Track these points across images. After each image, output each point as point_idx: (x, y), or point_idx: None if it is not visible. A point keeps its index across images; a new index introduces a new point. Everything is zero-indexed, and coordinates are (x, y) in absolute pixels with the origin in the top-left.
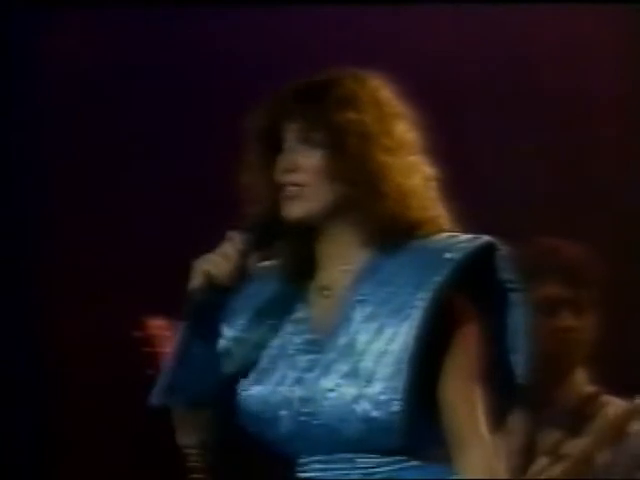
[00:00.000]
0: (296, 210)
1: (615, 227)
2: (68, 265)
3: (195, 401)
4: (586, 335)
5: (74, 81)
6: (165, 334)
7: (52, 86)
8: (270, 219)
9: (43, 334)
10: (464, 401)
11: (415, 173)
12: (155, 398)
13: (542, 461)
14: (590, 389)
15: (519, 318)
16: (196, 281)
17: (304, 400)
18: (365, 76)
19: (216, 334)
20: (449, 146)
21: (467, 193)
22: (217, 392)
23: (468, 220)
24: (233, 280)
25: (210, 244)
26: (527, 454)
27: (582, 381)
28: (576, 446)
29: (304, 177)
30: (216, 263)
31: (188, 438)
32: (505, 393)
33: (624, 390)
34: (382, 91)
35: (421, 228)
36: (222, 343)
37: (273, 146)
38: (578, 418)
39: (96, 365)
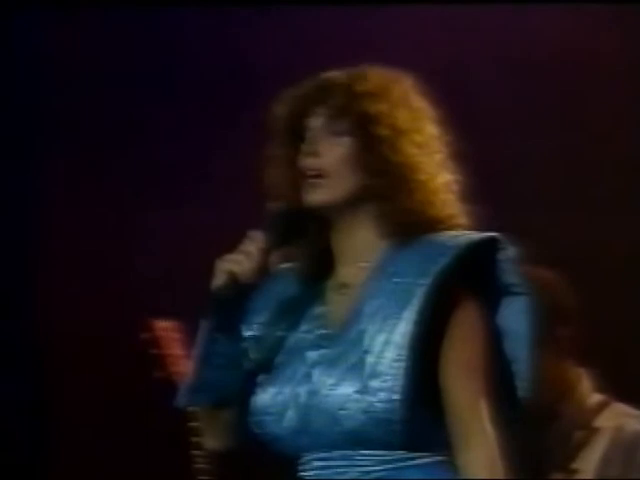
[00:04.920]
0: (318, 197)
1: (617, 228)
2: (71, 265)
3: (220, 400)
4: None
5: (75, 80)
6: (172, 335)
7: (53, 85)
8: (291, 216)
9: (46, 335)
10: (467, 392)
11: (440, 172)
12: (181, 400)
13: (555, 476)
14: (597, 398)
15: (522, 324)
16: (219, 280)
17: (311, 394)
18: (396, 74)
19: (238, 332)
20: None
21: (481, 195)
22: (241, 390)
23: (485, 222)
24: (256, 278)
25: (216, 243)
26: (537, 469)
27: (588, 391)
28: (588, 461)
29: (328, 164)
30: (239, 262)
31: (215, 441)
32: (506, 404)
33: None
34: (413, 91)
35: (440, 225)
36: (258, 351)
37: (297, 138)
38: (588, 430)
39: (100, 366)
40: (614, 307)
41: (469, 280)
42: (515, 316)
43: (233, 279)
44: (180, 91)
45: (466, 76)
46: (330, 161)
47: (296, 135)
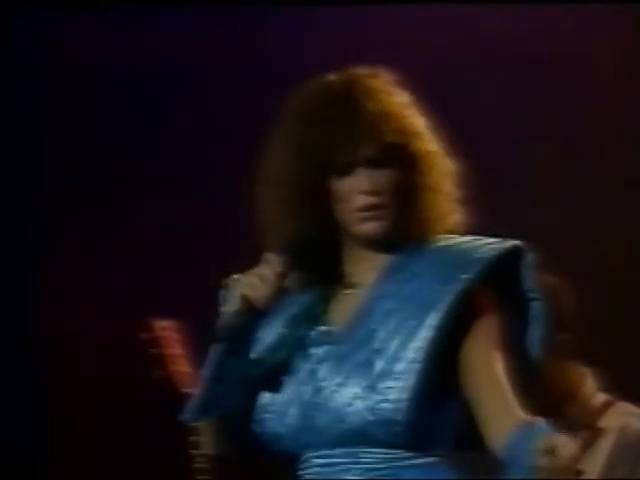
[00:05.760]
0: (378, 229)
1: (617, 227)
2: (70, 266)
3: (228, 413)
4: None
5: (75, 80)
6: (171, 335)
7: (54, 86)
8: (310, 240)
9: (46, 335)
10: (490, 377)
11: (448, 162)
12: (189, 415)
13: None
14: (602, 398)
15: (535, 329)
16: (233, 305)
17: (316, 390)
18: (376, 73)
19: (249, 350)
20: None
21: (479, 196)
22: (248, 402)
23: (481, 219)
24: (271, 303)
25: (213, 245)
26: None
27: (592, 390)
28: (593, 461)
29: (385, 198)
30: (254, 287)
31: (216, 448)
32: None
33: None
34: (393, 84)
35: (442, 223)
36: (258, 346)
37: (325, 167)
38: (593, 430)
39: (100, 366)
40: (616, 307)
41: (489, 282)
42: (530, 321)
43: (247, 304)
44: (181, 92)
45: (466, 76)
46: (389, 196)
47: (324, 166)
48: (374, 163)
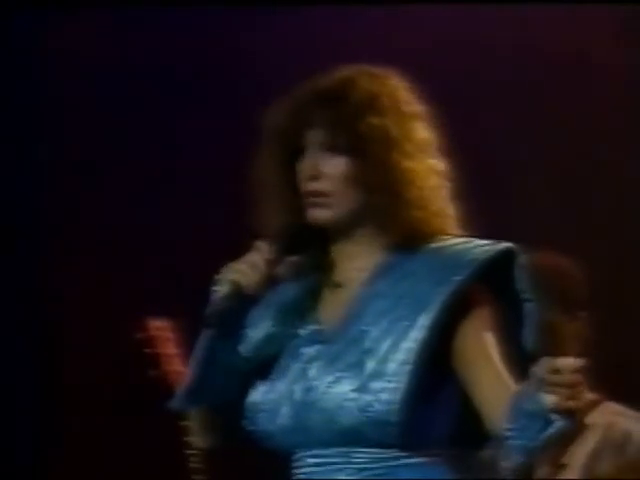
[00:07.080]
0: (322, 216)
1: (617, 227)
2: (71, 265)
3: (215, 403)
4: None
5: (75, 80)
6: (166, 335)
7: (54, 86)
8: (298, 228)
9: (46, 335)
10: (486, 359)
11: (433, 176)
12: (177, 403)
13: (542, 471)
14: (590, 396)
15: (528, 330)
16: (223, 290)
17: (306, 390)
18: (383, 74)
19: (238, 339)
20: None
21: (476, 193)
22: (237, 392)
23: (478, 220)
24: (260, 290)
25: (212, 245)
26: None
27: None
28: (577, 457)
29: (329, 184)
30: (244, 273)
31: (206, 439)
32: None
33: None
34: (400, 90)
35: (438, 231)
36: (247, 344)
37: (293, 150)
38: (579, 426)
39: (100, 367)
40: (615, 308)
41: (483, 283)
42: (523, 321)
43: (237, 290)
44: (181, 92)
45: (466, 76)
46: (331, 182)
47: (292, 149)
48: (324, 148)
